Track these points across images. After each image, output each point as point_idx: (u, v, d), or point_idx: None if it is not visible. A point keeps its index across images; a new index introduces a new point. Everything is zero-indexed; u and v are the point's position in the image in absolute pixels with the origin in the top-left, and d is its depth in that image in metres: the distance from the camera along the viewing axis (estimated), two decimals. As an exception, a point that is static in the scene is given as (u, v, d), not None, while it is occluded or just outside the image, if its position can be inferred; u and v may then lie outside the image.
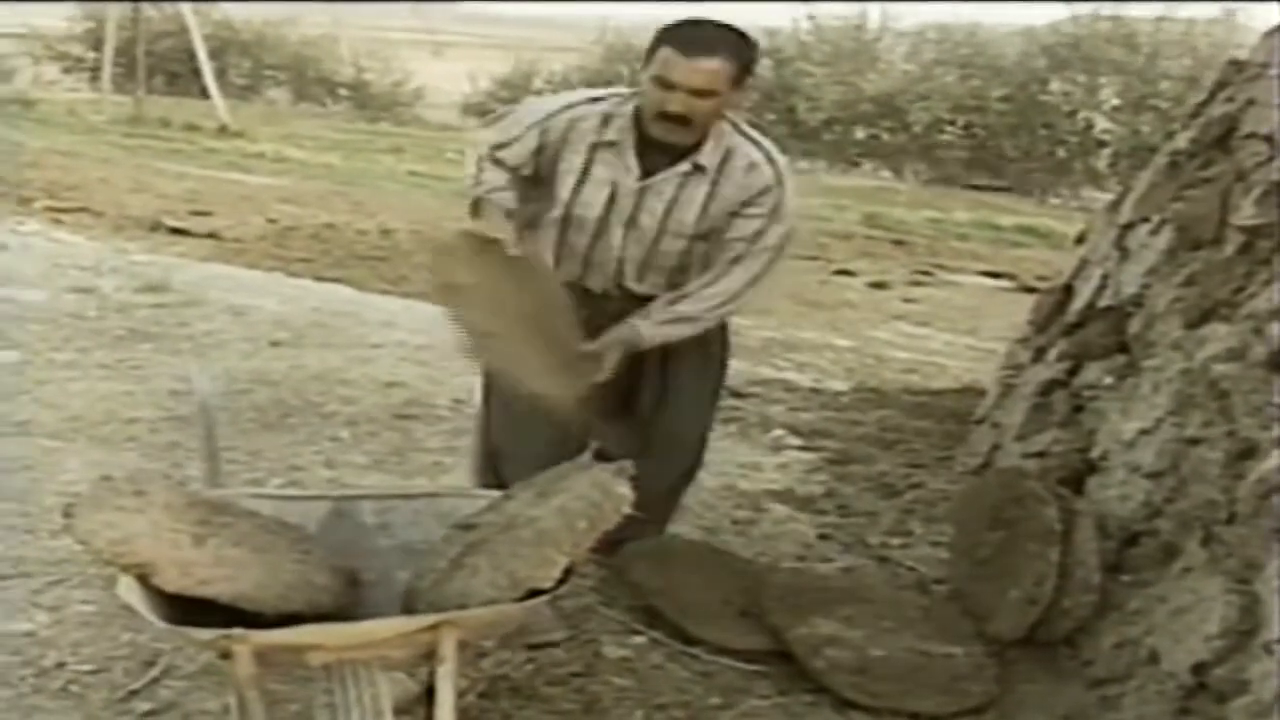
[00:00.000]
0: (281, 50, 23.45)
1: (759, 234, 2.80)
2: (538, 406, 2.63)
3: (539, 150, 2.81)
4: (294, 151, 14.09)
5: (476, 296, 2.57)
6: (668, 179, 2.78)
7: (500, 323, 2.59)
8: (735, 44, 2.68)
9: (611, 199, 2.80)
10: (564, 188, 2.82)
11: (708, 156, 2.76)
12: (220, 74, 18.65)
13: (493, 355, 2.66)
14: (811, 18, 19.60)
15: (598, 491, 2.03)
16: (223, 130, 15.60)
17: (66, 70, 22.59)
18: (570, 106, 2.83)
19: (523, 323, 2.60)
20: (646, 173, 2.78)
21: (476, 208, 2.81)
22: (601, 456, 2.18)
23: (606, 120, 2.79)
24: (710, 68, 2.63)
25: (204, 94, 17.13)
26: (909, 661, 2.73)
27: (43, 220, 8.07)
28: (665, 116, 2.68)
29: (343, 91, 23.27)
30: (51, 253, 6.90)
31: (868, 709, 2.59)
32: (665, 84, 2.65)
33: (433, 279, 2.69)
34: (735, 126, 2.82)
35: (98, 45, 19.62)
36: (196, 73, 17.61)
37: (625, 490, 2.03)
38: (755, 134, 2.86)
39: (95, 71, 20.27)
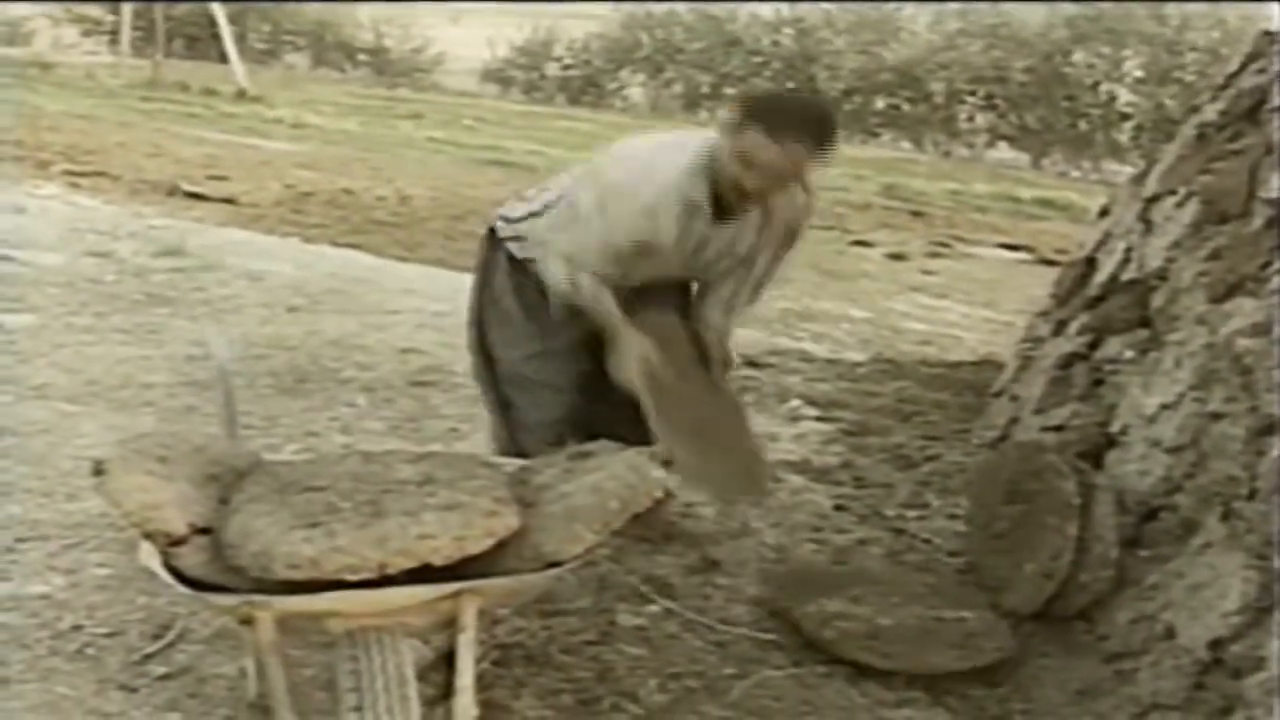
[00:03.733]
0: (301, 15, 23.35)
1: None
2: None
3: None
4: (312, 117, 14.03)
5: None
6: (735, 222, 2.81)
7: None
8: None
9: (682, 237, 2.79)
10: None
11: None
12: (239, 38, 18.56)
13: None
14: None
15: (634, 474, 2.03)
16: (241, 95, 15.54)
17: (85, 34, 22.51)
18: (652, 211, 2.69)
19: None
20: (719, 217, 2.78)
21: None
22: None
23: (692, 211, 2.72)
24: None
25: (223, 58, 17.07)
26: (920, 625, 2.73)
27: (60, 184, 8.07)
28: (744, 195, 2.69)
29: (362, 57, 23.13)
30: (69, 217, 6.91)
31: (882, 673, 2.58)
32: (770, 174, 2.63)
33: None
34: None
35: (116, 9, 19.58)
36: (215, 37, 17.53)
37: (661, 474, 2.04)
38: None
39: (114, 35, 20.22)
